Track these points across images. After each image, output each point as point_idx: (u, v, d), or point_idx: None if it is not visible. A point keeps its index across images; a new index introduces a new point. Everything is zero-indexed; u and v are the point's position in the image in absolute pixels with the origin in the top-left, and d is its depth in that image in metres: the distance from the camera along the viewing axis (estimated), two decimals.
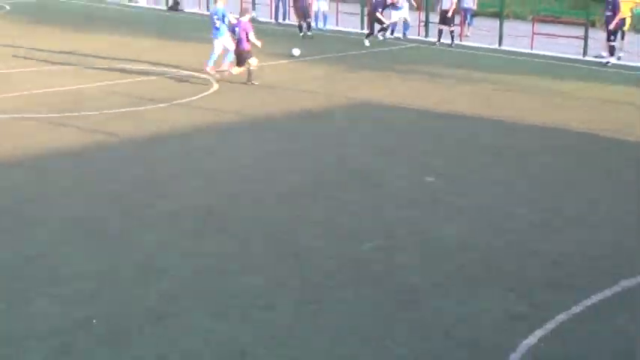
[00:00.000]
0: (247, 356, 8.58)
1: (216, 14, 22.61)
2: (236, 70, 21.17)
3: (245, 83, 20.96)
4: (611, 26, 24.08)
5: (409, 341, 8.98)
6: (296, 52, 24.30)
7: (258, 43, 21.67)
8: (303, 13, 29.57)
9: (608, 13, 24.12)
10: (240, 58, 21.40)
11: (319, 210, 12.93)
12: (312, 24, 30.92)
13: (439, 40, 29.23)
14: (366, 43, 28.32)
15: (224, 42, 22.46)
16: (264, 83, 21.92)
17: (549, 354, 8.73)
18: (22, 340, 8.77)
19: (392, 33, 30.42)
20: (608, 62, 24.40)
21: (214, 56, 22.66)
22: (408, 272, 10.65)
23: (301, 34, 29.66)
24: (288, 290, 10.13)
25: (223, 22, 22.24)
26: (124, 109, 18.92)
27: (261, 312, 9.56)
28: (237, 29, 21.76)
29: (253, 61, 21.25)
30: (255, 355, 8.67)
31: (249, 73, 21.41)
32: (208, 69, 22.39)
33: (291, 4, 31.26)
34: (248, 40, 21.10)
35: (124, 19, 35.45)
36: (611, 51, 24.43)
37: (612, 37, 24.36)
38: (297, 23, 30.68)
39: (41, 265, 10.77)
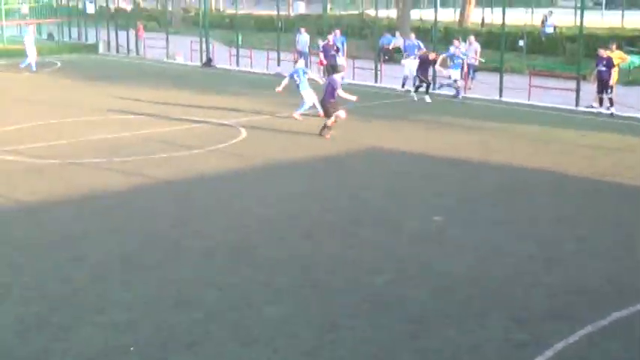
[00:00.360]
0: None
1: (297, 72, 24.28)
2: (330, 121, 20.91)
3: (319, 134, 20.76)
4: (612, 82, 24.07)
5: None
6: (342, 114, 23.11)
7: (353, 98, 21.57)
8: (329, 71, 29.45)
9: (602, 68, 24.11)
10: (327, 110, 21.17)
11: (337, 246, 12.93)
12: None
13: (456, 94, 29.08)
14: (427, 99, 27.53)
15: (307, 93, 23.84)
16: (290, 129, 22.06)
17: None
18: None
19: (403, 86, 30.37)
20: (612, 113, 24.28)
21: (305, 105, 23.89)
22: (418, 304, 10.63)
23: None
24: (309, 319, 10.12)
25: (301, 78, 23.91)
26: (163, 155, 19.04)
27: (285, 339, 9.55)
28: (295, 75, 23.76)
29: (342, 114, 21.01)
30: None
31: (325, 125, 21.02)
32: (295, 115, 23.81)
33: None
34: (334, 95, 20.99)
35: (164, 74, 35.75)
36: (611, 102, 24.36)
37: (609, 90, 24.31)
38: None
39: (86, 295, 10.86)
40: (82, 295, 10.87)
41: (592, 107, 25.24)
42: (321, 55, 31.58)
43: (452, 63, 28.02)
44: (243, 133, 21.80)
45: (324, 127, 20.80)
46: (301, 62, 25.71)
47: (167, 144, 20.29)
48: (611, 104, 24.43)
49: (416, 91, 27.58)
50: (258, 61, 36.93)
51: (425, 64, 27.39)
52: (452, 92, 28.83)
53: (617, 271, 11.81)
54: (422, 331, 9.78)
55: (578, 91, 26.52)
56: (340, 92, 21.10)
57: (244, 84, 31.96)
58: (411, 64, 30.05)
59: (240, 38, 39.24)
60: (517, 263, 12.17)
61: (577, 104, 26.23)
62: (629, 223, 14.23)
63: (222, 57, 38.80)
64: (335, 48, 29.71)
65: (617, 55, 25.49)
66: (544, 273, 11.74)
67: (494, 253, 12.65)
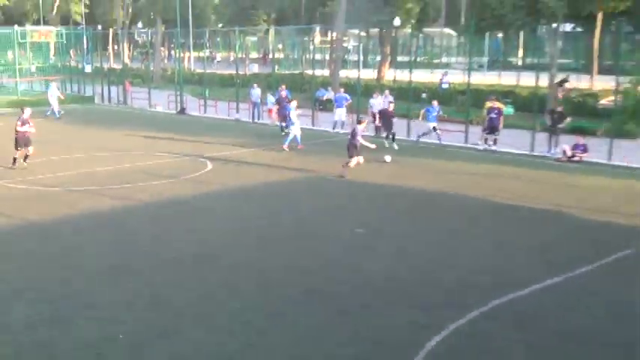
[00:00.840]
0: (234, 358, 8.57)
1: (288, 110, 25.42)
2: (352, 163, 20.01)
3: (339, 176, 19.82)
4: (500, 126, 24.45)
5: (346, 344, 9.03)
6: (388, 158, 22.13)
7: (372, 146, 20.84)
8: (284, 117, 29.01)
9: (494, 116, 24.47)
10: (350, 153, 20.18)
11: (283, 253, 12.97)
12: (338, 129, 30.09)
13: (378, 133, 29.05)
14: (395, 146, 25.55)
15: (295, 130, 24.64)
16: (247, 161, 22.05)
17: (445, 351, 8.84)
18: (69, 350, 8.79)
19: (333, 128, 30.42)
20: (494, 150, 24.59)
21: (289, 139, 24.65)
22: (344, 296, 10.75)
23: (282, 132, 28.95)
24: (261, 309, 10.18)
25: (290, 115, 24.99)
26: (146, 183, 18.89)
27: (241, 325, 9.61)
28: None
29: (361, 159, 20.23)
30: (239, 358, 8.66)
31: (347, 164, 20.08)
32: (284, 146, 24.37)
33: (275, 110, 30.78)
34: (356, 143, 20.09)
35: (147, 119, 35.41)
36: (495, 141, 24.75)
37: (497, 132, 24.66)
38: (278, 123, 30.28)
39: (81, 295, 10.80)
40: (77, 295, 10.79)
41: (477, 145, 25.70)
42: (274, 106, 31.39)
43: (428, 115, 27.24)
44: (210, 165, 21.72)
45: (346, 164, 20.23)
46: (293, 103, 26.01)
47: (150, 174, 20.12)
48: (495, 143, 24.90)
49: (393, 140, 25.97)
50: (221, 109, 36.93)
51: (385, 117, 26.70)
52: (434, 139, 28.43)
53: (496, 269, 12.08)
54: (348, 317, 9.92)
55: (466, 132, 27.00)
56: (361, 140, 20.32)
57: (211, 127, 31.86)
58: (340, 113, 30.31)
59: (207, 91, 39.33)
60: (422, 265, 12.37)
61: (466, 141, 26.68)
62: (504, 231, 14.52)
63: (193, 106, 38.65)
64: (287, 99, 29.65)
65: (497, 106, 26.05)
66: (443, 272, 11.94)
67: (405, 257, 12.82)
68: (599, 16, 38.19)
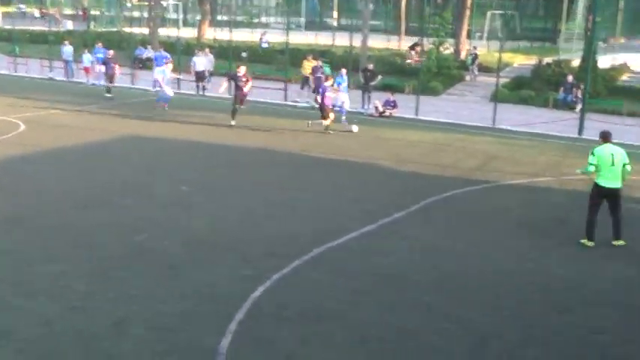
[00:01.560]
0: (53, 324, 8.10)
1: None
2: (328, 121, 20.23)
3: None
4: (328, 83, 24.77)
5: (173, 300, 8.87)
6: (355, 128, 21.11)
7: (334, 95, 21.08)
8: (111, 77, 27.30)
9: (320, 75, 24.75)
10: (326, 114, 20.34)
11: (105, 213, 12.41)
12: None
13: (198, 92, 28.63)
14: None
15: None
16: (63, 124, 20.76)
17: (269, 299, 8.94)
18: None
19: (153, 88, 29.49)
20: (313, 106, 24.93)
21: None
22: (171, 253, 10.53)
23: (107, 94, 27.34)
24: (82, 273, 9.70)
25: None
26: None
27: (60, 289, 9.11)
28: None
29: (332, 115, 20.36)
30: (60, 323, 8.21)
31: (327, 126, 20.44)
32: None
33: (99, 69, 28.80)
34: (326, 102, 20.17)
35: None
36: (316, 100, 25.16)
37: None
38: (97, 83, 28.64)
39: None
40: None
41: (297, 102, 26.08)
42: (99, 65, 29.64)
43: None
44: (22, 126, 20.23)
45: (325, 125, 20.39)
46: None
47: None
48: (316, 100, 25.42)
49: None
50: (33, 68, 34.43)
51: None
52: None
53: (317, 220, 12.38)
54: (177, 274, 9.73)
55: (286, 90, 27.29)
56: (329, 95, 20.46)
57: (23, 86, 29.63)
58: (159, 71, 29.36)
59: (17, 49, 36.47)
60: (244, 218, 12.38)
61: (285, 99, 26.98)
62: (322, 183, 14.88)
63: (2, 64, 35.73)
64: (112, 56, 27.97)
65: (312, 64, 26.47)
66: (265, 225, 12.04)
67: (229, 211, 12.76)
68: None
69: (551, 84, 28.39)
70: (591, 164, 11.28)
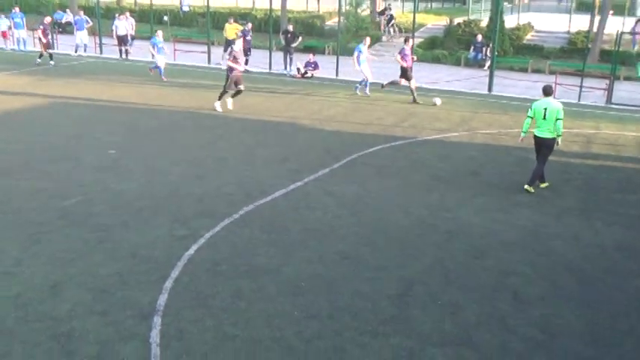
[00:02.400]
0: None
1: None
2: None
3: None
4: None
5: (108, 262, 8.75)
6: (437, 101, 19.80)
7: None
8: (47, 44, 25.85)
9: (249, 38, 24.26)
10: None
11: (33, 179, 12.01)
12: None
13: (121, 56, 27.87)
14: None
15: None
16: None
17: (203, 257, 8.95)
18: None
19: (75, 52, 28.51)
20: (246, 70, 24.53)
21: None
22: (102, 216, 10.33)
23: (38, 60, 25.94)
24: (11, 238, 9.39)
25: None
26: None
27: None
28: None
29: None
30: None
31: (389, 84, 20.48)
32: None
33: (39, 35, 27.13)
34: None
35: None
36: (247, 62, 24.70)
37: (249, 54, 24.58)
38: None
39: None
40: None
41: (220, 64, 25.67)
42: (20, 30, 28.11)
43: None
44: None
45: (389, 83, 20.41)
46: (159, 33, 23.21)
47: None
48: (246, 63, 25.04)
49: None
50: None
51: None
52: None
53: (245, 180, 12.36)
54: (110, 237, 9.56)
55: (209, 53, 26.84)
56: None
57: None
58: (81, 35, 28.38)
59: None
60: (173, 180, 12.22)
61: (209, 62, 26.55)
62: (249, 144, 14.82)
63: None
64: (49, 23, 26.60)
65: (234, 28, 26.06)
66: (194, 186, 11.93)
67: (159, 174, 12.57)
68: None
69: (462, 43, 29.02)
70: (528, 116, 12.04)
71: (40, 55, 25.91)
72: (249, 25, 26.24)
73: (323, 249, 9.41)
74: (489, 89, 22.14)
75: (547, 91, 11.94)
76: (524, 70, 26.19)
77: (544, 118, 11.72)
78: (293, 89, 21.38)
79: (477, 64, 26.85)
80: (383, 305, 7.93)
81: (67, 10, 36.14)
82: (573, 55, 27.64)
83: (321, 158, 13.76)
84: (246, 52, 24.17)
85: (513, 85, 23.40)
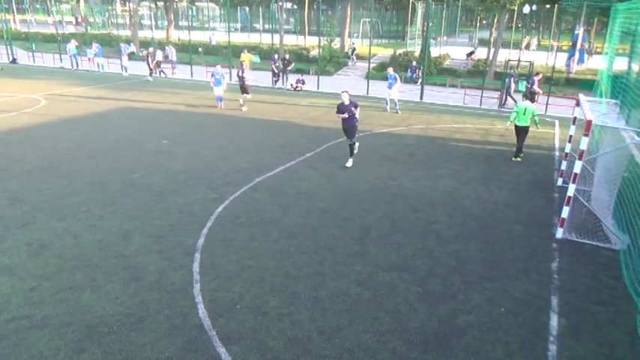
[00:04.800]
0: (79, 237, 7.67)
1: (218, 74, 17.61)
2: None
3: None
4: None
5: (162, 217, 8.61)
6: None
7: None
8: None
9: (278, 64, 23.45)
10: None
11: (108, 161, 11.77)
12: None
13: (159, 75, 27.10)
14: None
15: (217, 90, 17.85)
16: (74, 100, 19.26)
17: (228, 212, 8.84)
18: None
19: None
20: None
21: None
22: (158, 186, 10.19)
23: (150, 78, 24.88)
24: (96, 201, 9.19)
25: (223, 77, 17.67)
26: None
27: (84, 214, 8.57)
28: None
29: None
30: (84, 236, 7.79)
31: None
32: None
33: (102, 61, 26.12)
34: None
35: None
36: (163, 72, 23.58)
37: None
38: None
39: None
40: None
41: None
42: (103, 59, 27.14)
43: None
44: (43, 101, 18.65)
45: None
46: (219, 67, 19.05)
47: None
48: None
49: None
50: (47, 60, 31.49)
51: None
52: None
53: (255, 160, 12.17)
54: (163, 200, 9.42)
55: (230, 74, 26.27)
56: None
57: (40, 73, 27.09)
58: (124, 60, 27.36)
59: (34, 45, 33.09)
60: (208, 161, 12.03)
61: (230, 79, 26.00)
62: (259, 136, 14.58)
63: (23, 58, 32.45)
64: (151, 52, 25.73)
65: (247, 56, 25.44)
66: (221, 164, 11.77)
67: (197, 156, 12.36)
68: None
69: (402, 67, 28.71)
70: (512, 112, 12.49)
71: (150, 74, 25.36)
72: (276, 56, 25.41)
73: (309, 206, 9.36)
74: (421, 98, 21.97)
75: (526, 97, 12.58)
76: (443, 85, 26.00)
77: (524, 113, 12.22)
78: (288, 98, 21.09)
79: (413, 80, 26.61)
80: (349, 244, 7.92)
81: (131, 43, 35.19)
82: (476, 75, 27.50)
83: (307, 145, 13.62)
84: (278, 73, 23.37)
85: (436, 95, 23.28)
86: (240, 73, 17.97)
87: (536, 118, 12.39)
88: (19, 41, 38.47)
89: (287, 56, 25.42)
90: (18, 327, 5.75)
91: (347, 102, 11.18)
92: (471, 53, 30.74)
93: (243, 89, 18.16)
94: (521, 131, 12.51)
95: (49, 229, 8.08)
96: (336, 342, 5.66)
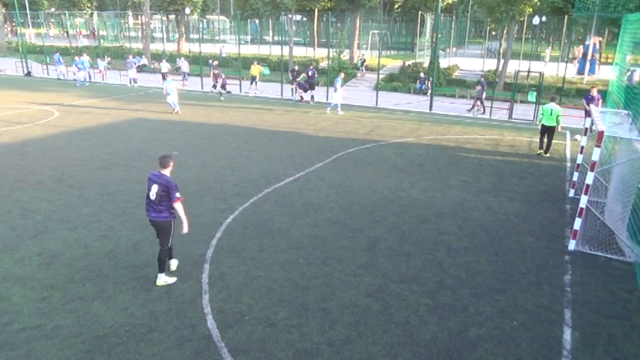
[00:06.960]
0: (89, 247, 7.71)
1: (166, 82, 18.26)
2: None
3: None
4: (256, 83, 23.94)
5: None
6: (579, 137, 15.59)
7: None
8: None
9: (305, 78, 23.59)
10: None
11: (119, 171, 11.83)
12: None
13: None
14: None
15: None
16: (86, 111, 19.50)
17: (237, 223, 8.83)
18: None
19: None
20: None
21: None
22: (186, 184, 10.15)
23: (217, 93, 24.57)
24: (107, 211, 9.22)
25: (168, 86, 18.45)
26: (5, 129, 15.94)
27: (95, 224, 8.62)
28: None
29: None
30: (94, 247, 7.83)
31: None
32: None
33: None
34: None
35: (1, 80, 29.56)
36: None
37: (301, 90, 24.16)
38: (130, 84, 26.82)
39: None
40: None
41: (247, 93, 25.28)
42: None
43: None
44: (56, 113, 18.90)
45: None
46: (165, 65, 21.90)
47: (8, 122, 17.01)
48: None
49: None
50: (60, 72, 32.02)
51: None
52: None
53: (265, 170, 12.20)
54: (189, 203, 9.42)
55: (240, 84, 26.41)
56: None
57: (54, 85, 27.53)
58: (131, 72, 27.60)
59: (48, 59, 33.63)
60: (218, 171, 12.08)
61: (240, 91, 26.12)
62: (268, 146, 14.61)
63: (38, 70, 32.99)
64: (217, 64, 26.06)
65: (257, 68, 25.60)
66: (231, 175, 11.80)
67: (205, 167, 12.42)
68: (316, 11, 38.96)
69: (411, 78, 28.76)
70: (541, 114, 13.78)
71: (221, 91, 22.97)
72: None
73: (318, 217, 9.34)
74: (430, 109, 21.96)
75: (552, 99, 13.68)
76: (453, 96, 25.98)
77: (550, 114, 13.55)
78: (297, 109, 21.18)
79: (422, 92, 26.64)
80: (359, 255, 7.87)
81: (143, 55, 35.67)
82: (486, 86, 27.43)
83: (316, 155, 13.63)
84: (306, 87, 23.23)
85: (446, 106, 23.25)
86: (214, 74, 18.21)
87: (560, 118, 13.54)
88: (34, 54, 39.20)
89: (296, 67, 25.58)
90: (28, 337, 5.77)
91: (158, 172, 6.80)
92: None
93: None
94: (548, 130, 13.70)
95: (61, 239, 8.13)
96: (345, 354, 5.60)
